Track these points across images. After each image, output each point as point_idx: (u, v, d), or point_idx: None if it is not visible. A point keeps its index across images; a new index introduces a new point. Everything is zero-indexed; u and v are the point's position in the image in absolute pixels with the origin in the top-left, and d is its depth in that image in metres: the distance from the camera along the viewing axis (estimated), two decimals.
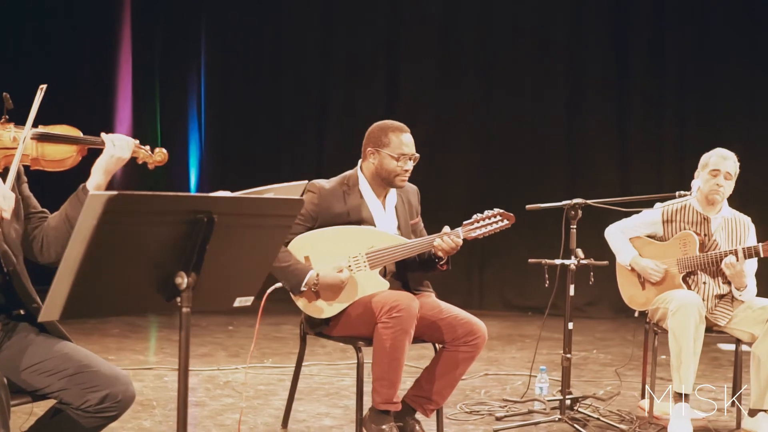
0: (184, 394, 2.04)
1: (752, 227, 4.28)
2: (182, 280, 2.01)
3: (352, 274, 3.51)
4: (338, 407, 4.34)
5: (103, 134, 2.65)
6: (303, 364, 3.88)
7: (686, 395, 3.98)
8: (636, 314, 4.40)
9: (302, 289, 3.49)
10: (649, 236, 4.34)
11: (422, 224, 3.85)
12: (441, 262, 3.61)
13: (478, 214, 3.57)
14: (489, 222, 3.55)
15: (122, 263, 1.96)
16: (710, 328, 4.20)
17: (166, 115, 8.31)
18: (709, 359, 5.82)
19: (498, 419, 4.14)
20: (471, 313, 3.66)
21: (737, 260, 4.02)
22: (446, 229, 3.59)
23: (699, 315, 3.97)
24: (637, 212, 4.36)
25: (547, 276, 4.06)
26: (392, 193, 3.74)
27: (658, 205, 4.34)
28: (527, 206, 4.31)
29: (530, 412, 4.26)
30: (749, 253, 4.03)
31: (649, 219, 4.33)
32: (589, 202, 4.16)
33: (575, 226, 4.14)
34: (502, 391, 4.76)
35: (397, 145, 3.61)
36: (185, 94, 8.34)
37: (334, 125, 8.23)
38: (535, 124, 8.05)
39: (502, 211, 3.58)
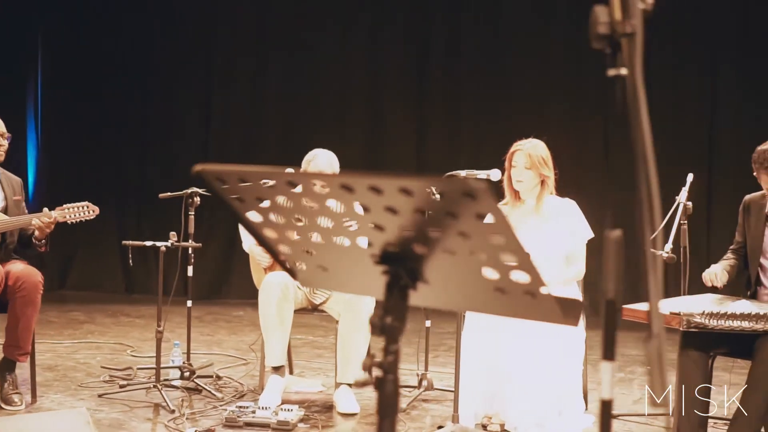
0: None
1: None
2: None
3: None
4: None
5: None
6: None
7: (277, 367, 4.36)
8: None
9: None
10: None
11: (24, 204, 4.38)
12: (39, 244, 4.15)
13: (72, 204, 4.14)
14: (79, 210, 4.14)
15: None
16: (317, 308, 4.57)
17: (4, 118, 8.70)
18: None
19: (121, 387, 4.54)
20: None
21: None
22: (45, 210, 4.09)
23: (282, 293, 4.32)
24: None
25: (131, 256, 4.49)
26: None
27: None
28: (160, 195, 4.74)
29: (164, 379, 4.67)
30: None
31: None
32: (200, 191, 4.57)
33: (193, 212, 4.58)
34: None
35: None
36: (24, 101, 8.74)
37: (155, 119, 8.65)
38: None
39: (90, 204, 4.20)
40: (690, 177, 4.26)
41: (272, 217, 1.53)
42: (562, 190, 4.32)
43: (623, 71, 1.35)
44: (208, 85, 8.60)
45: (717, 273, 3.67)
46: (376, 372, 1.47)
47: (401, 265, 1.45)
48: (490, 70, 8.11)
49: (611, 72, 1.36)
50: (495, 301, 1.41)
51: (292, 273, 1.67)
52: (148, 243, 4.40)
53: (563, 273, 4.23)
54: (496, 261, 1.32)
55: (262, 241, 1.60)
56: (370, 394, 4.66)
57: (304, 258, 1.60)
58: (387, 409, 1.48)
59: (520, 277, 1.33)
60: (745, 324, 3.32)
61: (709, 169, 7.62)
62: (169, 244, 4.38)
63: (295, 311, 4.57)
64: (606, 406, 1.39)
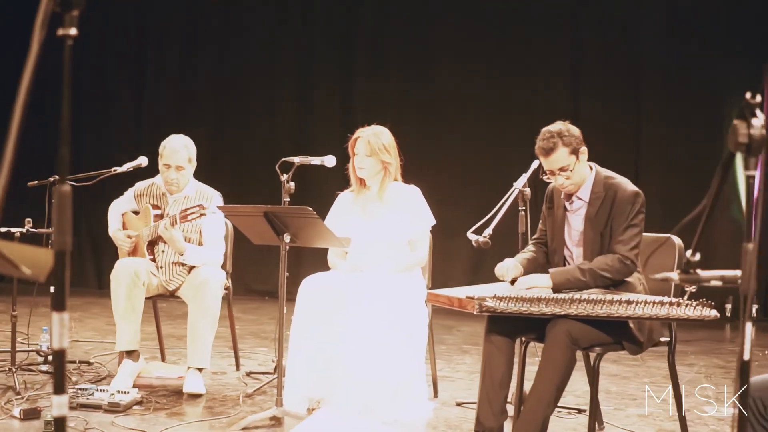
0: None
1: (215, 199, 4.66)
2: None
3: None
4: None
5: None
6: None
7: (129, 352, 4.44)
8: None
9: None
10: (134, 211, 4.79)
11: None
12: None
13: None
14: None
15: None
16: (173, 294, 4.63)
17: None
18: None
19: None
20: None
21: (170, 227, 4.43)
22: None
23: (132, 280, 4.39)
24: None
25: None
26: None
27: (138, 184, 4.80)
28: (28, 183, 4.83)
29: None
30: (173, 220, 4.42)
31: (129, 195, 4.79)
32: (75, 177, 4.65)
33: (55, 200, 4.65)
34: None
35: None
36: None
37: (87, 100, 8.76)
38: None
39: None
40: (535, 163, 4.23)
41: None
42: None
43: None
44: (141, 70, 8.74)
45: (509, 267, 3.65)
46: None
47: None
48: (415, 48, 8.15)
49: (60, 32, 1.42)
50: None
51: None
52: (3, 229, 4.49)
53: (406, 259, 4.26)
54: None
55: None
56: (226, 379, 4.75)
57: None
58: None
59: None
60: (534, 308, 3.31)
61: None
62: (24, 230, 4.47)
63: (152, 297, 4.66)
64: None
